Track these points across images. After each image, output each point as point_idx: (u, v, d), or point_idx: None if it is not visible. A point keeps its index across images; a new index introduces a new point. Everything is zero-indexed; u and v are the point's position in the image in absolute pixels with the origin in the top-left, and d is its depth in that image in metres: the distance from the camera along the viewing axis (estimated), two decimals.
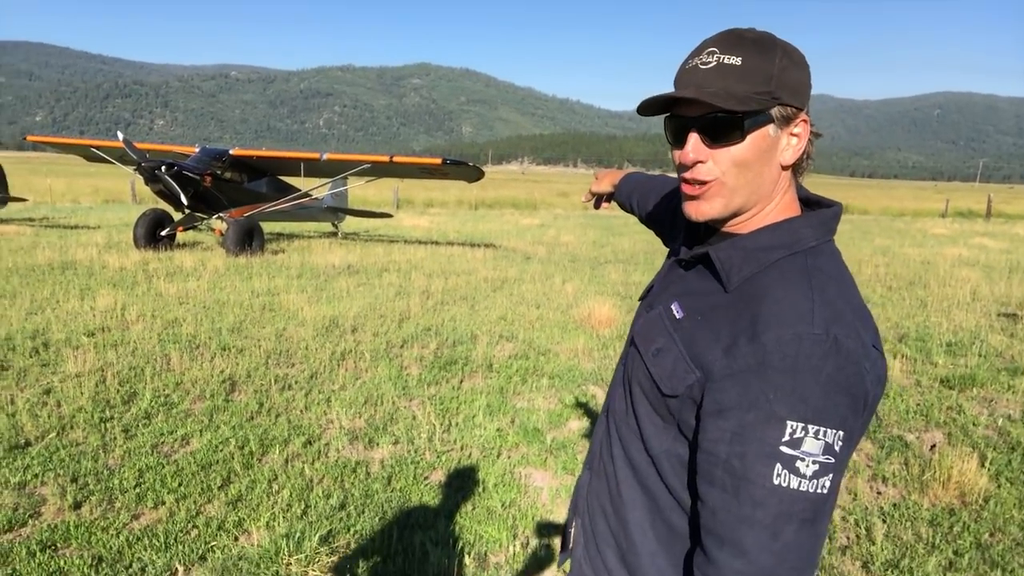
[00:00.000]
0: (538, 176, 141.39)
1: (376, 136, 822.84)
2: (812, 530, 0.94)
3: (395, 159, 13.64)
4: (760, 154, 1.05)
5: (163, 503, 3.47)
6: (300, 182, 15.25)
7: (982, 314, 8.49)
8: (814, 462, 0.92)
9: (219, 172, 13.28)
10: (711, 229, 1.18)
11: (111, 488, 3.58)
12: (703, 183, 1.07)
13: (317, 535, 3.19)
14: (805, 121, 1.07)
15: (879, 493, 3.88)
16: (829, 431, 0.93)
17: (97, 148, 15.02)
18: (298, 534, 3.20)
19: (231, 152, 13.90)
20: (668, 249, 1.44)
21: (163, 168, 11.97)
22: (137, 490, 3.58)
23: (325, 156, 13.82)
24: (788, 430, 0.93)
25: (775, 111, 1.03)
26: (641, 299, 1.32)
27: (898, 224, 27.87)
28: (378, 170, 14.41)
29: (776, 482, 0.93)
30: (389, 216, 19.35)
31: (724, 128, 1.03)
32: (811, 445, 0.92)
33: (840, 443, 0.93)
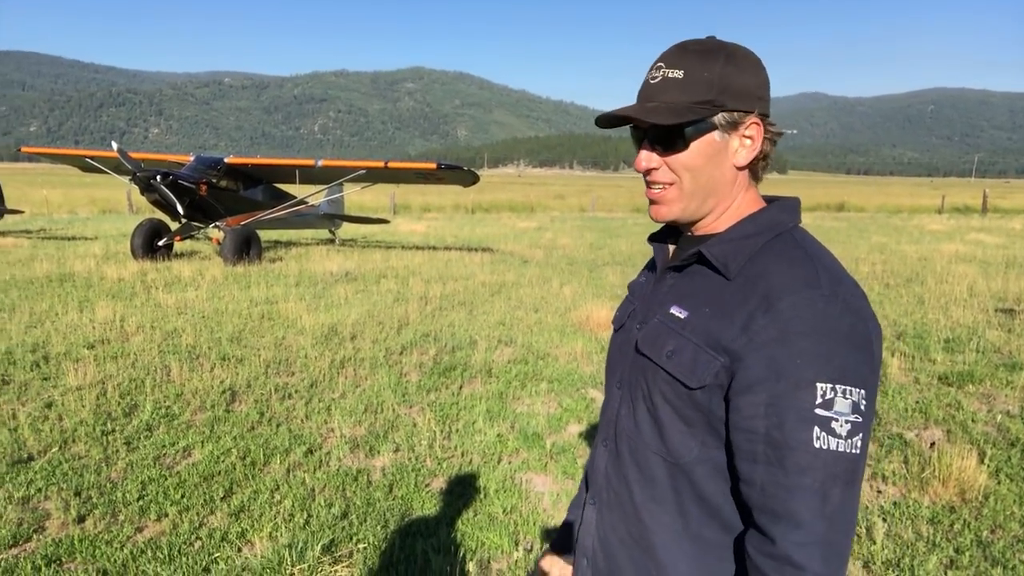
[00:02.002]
0: (534, 179, 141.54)
1: (371, 141, 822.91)
2: (852, 491, 0.98)
3: (390, 165, 13.67)
4: (708, 159, 1.11)
5: (166, 515, 3.48)
6: (296, 189, 15.27)
7: (979, 310, 8.52)
8: (846, 421, 0.96)
9: (215, 181, 13.29)
10: (681, 241, 1.26)
11: (114, 501, 3.59)
12: (661, 187, 1.15)
13: (319, 544, 3.21)
14: (758, 123, 1.10)
15: (879, 492, 3.90)
16: (854, 390, 0.97)
17: (92, 158, 15.02)
18: (301, 544, 3.21)
19: (226, 160, 13.91)
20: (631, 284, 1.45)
21: (158, 178, 11.99)
22: (140, 503, 3.59)
23: (320, 163, 13.85)
24: (819, 392, 0.96)
25: (718, 118, 1.08)
26: (619, 328, 1.31)
27: (895, 221, 27.94)
28: (374, 176, 14.44)
29: (817, 445, 0.96)
30: (386, 222, 19.36)
31: (667, 139, 1.11)
32: (841, 405, 0.96)
33: (864, 401, 0.98)
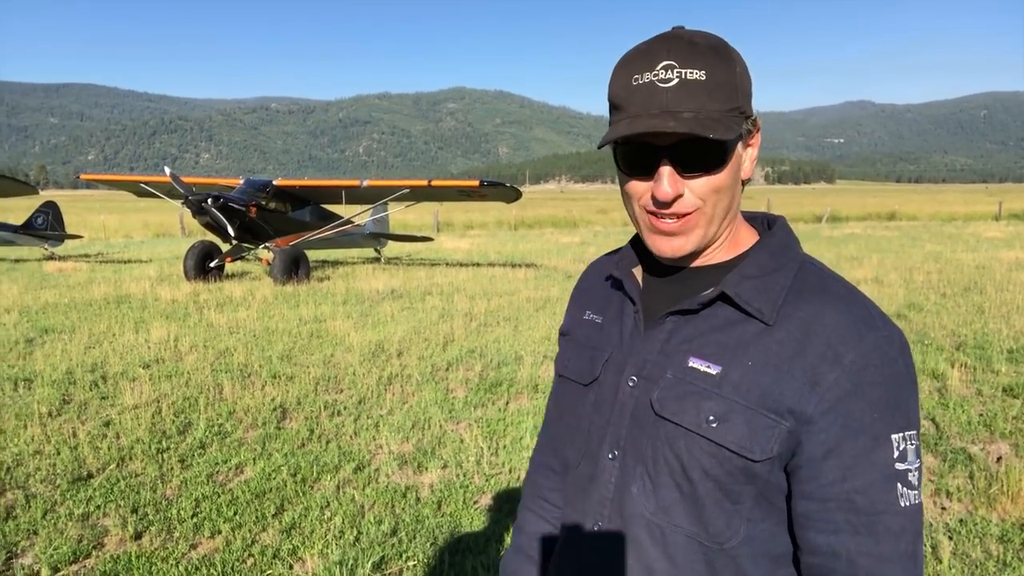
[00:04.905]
0: (576, 194, 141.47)
1: (414, 161, 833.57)
2: (922, 539, 0.93)
3: (433, 183, 13.80)
4: (734, 175, 0.95)
5: (219, 532, 3.52)
6: (342, 209, 15.51)
7: None
8: (916, 469, 0.90)
9: (264, 203, 13.59)
10: (664, 270, 1.06)
11: (169, 518, 3.65)
12: (680, 216, 0.94)
13: (370, 562, 3.21)
14: (758, 129, 1.00)
15: (944, 508, 3.75)
16: (916, 434, 0.91)
17: (146, 184, 15.51)
18: (351, 561, 3.21)
19: (274, 183, 14.23)
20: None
21: (209, 201, 12.31)
22: (194, 520, 3.64)
23: (365, 183, 14.06)
24: (895, 445, 0.89)
25: (744, 126, 0.93)
26: (590, 382, 1.07)
27: (948, 229, 27.15)
28: (417, 194, 14.60)
29: (903, 504, 0.89)
30: (430, 240, 19.53)
31: (703, 156, 0.91)
32: (911, 453, 0.90)
33: (917, 441, 0.92)
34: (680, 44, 0.89)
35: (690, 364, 0.96)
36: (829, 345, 0.90)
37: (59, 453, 4.45)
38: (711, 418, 0.92)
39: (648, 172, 0.93)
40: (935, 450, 4.47)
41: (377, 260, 17.49)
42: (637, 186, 0.95)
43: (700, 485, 0.93)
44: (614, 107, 0.94)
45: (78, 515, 3.67)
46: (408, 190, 14.19)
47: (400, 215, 25.04)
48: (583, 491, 1.05)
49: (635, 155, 0.93)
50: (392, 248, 19.73)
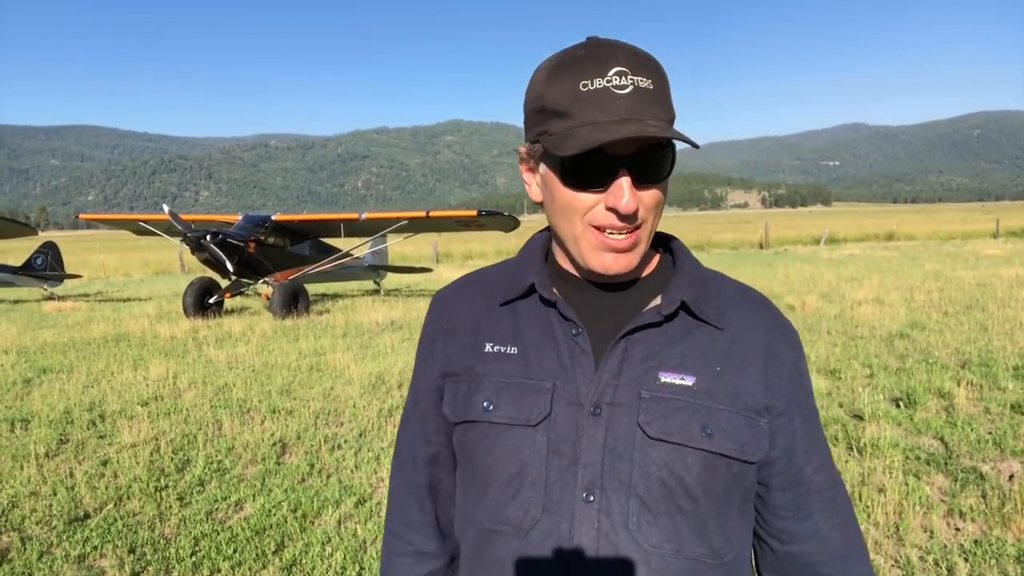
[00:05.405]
0: None
1: (413, 194, 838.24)
2: None
3: (431, 214, 13.85)
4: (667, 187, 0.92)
5: (219, 571, 3.44)
6: (341, 242, 15.54)
7: None
8: None
9: (262, 238, 13.61)
10: (579, 288, 0.99)
11: (168, 558, 3.58)
12: (631, 231, 0.88)
13: None
14: None
15: (957, 529, 3.67)
16: None
17: (145, 222, 15.56)
18: None
19: (273, 218, 14.28)
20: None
21: (208, 237, 12.33)
22: (193, 559, 3.56)
23: (364, 216, 14.10)
24: (817, 414, 1.01)
25: None
26: (539, 422, 0.92)
27: (947, 247, 27.19)
28: (416, 226, 14.63)
29: (838, 472, 1.02)
30: (429, 271, 19.55)
31: (659, 166, 0.87)
32: None
33: None
34: (625, 51, 0.85)
35: (662, 379, 0.91)
36: (769, 343, 0.96)
37: (55, 494, 4.37)
38: (706, 429, 0.89)
39: (601, 183, 0.86)
40: (946, 470, 4.40)
41: (377, 292, 17.47)
42: (584, 199, 0.88)
43: (703, 502, 0.89)
44: (555, 114, 0.87)
45: (74, 556, 3.59)
46: (406, 221, 14.22)
47: (399, 247, 25.06)
48: (553, 550, 0.89)
49: (588, 165, 0.85)
50: (391, 280, 19.73)
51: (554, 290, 0.99)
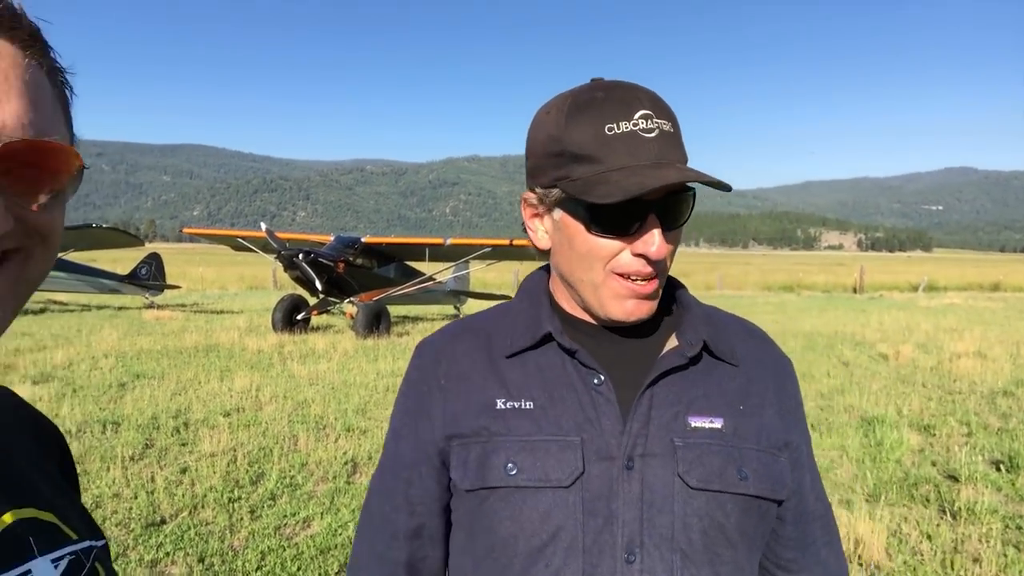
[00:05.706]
0: None
1: (499, 221, 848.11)
2: None
3: (515, 242, 13.91)
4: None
5: None
6: (425, 267, 15.79)
7: None
8: None
9: (351, 259, 13.98)
10: (590, 334, 0.93)
11: (234, 570, 3.62)
12: (649, 278, 0.86)
13: None
14: None
15: None
16: None
17: (243, 238, 16.24)
18: None
19: (363, 240, 14.65)
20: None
21: (300, 256, 12.75)
22: (258, 573, 3.60)
23: (449, 241, 14.30)
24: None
25: None
26: (571, 483, 0.85)
27: None
28: (499, 253, 14.73)
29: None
30: (509, 299, 19.51)
31: (683, 210, 0.86)
32: None
33: None
34: (647, 93, 0.85)
35: (692, 424, 0.88)
36: (776, 377, 0.97)
37: (136, 497, 4.52)
38: (741, 472, 0.87)
39: (627, 230, 0.83)
40: None
41: (456, 317, 17.63)
42: (609, 246, 0.84)
43: (740, 547, 0.87)
44: (576, 158, 0.83)
45: (147, 561, 3.68)
46: (490, 248, 14.34)
47: (480, 273, 25.29)
48: None
49: (619, 211, 0.82)
50: (471, 305, 19.88)
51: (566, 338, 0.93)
